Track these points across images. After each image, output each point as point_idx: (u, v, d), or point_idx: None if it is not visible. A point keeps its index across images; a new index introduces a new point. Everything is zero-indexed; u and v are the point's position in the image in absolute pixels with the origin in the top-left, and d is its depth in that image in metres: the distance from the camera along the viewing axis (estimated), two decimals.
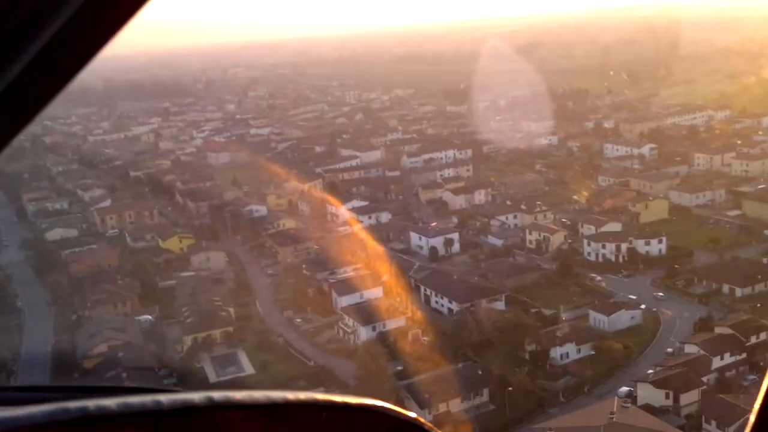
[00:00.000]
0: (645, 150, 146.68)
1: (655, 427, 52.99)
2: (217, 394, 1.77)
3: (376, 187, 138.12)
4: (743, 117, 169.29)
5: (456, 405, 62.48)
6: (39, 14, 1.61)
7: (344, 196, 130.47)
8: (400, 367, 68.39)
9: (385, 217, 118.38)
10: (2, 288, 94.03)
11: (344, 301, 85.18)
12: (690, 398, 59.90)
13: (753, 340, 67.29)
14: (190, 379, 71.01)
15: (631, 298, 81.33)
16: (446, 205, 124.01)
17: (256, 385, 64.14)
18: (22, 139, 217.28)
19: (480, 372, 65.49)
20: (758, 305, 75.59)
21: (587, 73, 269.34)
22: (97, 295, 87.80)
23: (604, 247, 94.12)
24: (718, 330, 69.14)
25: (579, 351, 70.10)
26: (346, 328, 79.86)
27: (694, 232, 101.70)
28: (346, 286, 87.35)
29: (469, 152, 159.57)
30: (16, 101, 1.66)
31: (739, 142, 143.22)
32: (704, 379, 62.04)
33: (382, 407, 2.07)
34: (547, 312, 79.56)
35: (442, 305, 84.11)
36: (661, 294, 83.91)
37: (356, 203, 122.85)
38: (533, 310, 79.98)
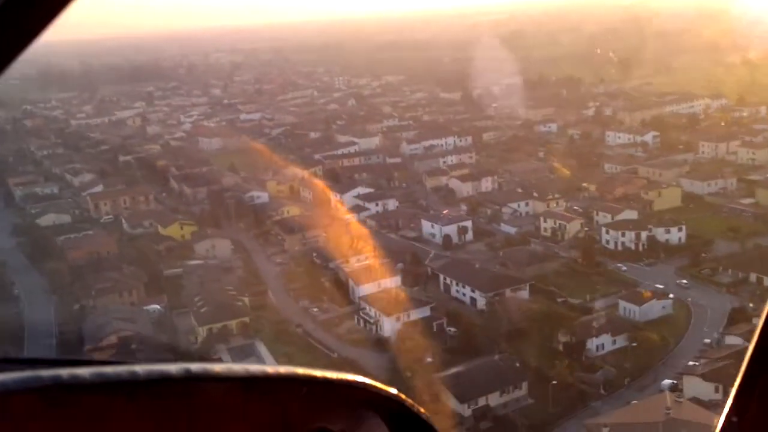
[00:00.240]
0: (648, 138, 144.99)
1: (714, 423, 50.51)
2: (195, 366, 1.72)
3: (379, 174, 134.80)
4: (741, 106, 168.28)
5: (495, 399, 59.70)
6: None
7: (347, 183, 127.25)
8: (430, 359, 65.51)
9: (392, 204, 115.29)
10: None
11: (362, 290, 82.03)
12: None
13: None
14: None
15: (658, 288, 79.08)
16: (453, 193, 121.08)
17: None
18: (2, 121, 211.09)
19: (518, 364, 62.70)
20: None
21: (575, 62, 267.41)
22: (101, 284, 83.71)
23: (623, 235, 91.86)
24: (756, 320, 66.90)
25: (614, 342, 67.69)
26: (367, 318, 76.77)
27: (710, 220, 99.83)
28: (363, 275, 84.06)
29: (469, 139, 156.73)
30: None
31: (741, 130, 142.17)
32: None
33: (363, 383, 2.03)
34: (573, 301, 77.19)
35: (464, 294, 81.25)
36: (685, 282, 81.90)
37: (361, 190, 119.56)
38: (560, 300, 77.47)
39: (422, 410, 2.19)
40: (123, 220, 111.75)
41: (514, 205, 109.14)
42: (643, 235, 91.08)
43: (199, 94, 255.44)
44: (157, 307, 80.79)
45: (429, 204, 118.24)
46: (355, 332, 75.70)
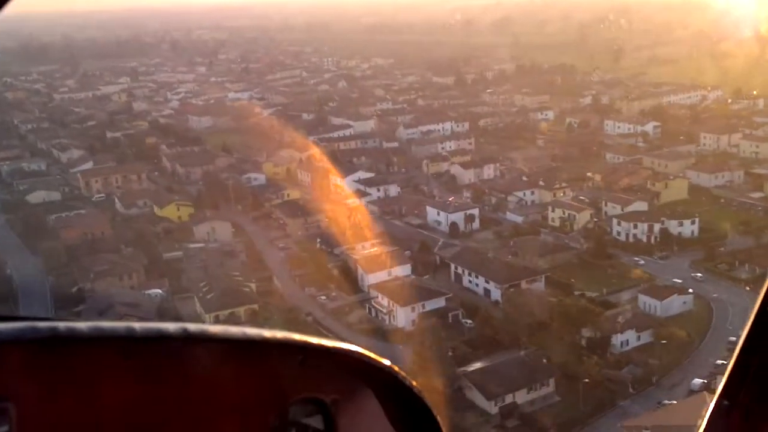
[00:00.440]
0: (648, 128, 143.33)
1: None
2: (193, 326, 1.73)
3: (376, 158, 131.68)
4: (738, 98, 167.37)
5: (522, 396, 57.47)
6: None
7: (345, 167, 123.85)
8: (450, 353, 63.27)
9: (393, 190, 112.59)
10: None
11: (371, 278, 79.48)
12: None
13: None
14: None
15: (676, 282, 77.32)
16: (455, 179, 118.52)
17: None
18: None
19: (544, 360, 60.51)
20: None
21: (565, 50, 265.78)
22: (99, 266, 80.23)
23: (635, 227, 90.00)
24: None
25: (639, 338, 65.80)
26: (379, 308, 74.17)
27: (720, 213, 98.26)
28: (372, 263, 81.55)
29: (466, 125, 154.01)
30: None
31: (740, 122, 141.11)
32: None
33: (357, 352, 2.04)
34: (590, 295, 75.13)
35: (477, 285, 78.87)
36: (699, 275, 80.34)
37: (362, 174, 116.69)
38: (576, 293, 75.40)
39: (414, 383, 2.19)
40: (116, 199, 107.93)
41: (520, 194, 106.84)
42: (656, 227, 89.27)
43: (185, 71, 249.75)
44: (159, 291, 77.70)
45: (431, 190, 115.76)
46: (368, 322, 73.14)
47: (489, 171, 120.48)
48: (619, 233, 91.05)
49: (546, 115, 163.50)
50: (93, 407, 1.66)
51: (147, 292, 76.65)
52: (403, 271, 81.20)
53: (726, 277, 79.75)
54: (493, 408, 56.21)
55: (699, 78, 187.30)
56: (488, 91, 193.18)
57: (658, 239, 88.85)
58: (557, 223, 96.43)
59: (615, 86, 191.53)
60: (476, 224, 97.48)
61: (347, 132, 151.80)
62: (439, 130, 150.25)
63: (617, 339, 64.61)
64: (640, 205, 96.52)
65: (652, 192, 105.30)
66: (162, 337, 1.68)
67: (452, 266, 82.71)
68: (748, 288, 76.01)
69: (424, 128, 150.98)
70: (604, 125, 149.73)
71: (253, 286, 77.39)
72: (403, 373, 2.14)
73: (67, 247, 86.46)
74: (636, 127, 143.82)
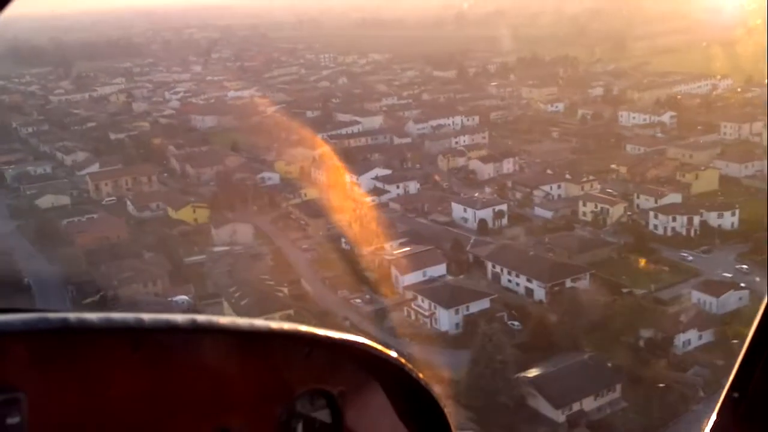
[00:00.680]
0: (665, 118, 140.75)
1: None
2: (201, 318, 1.75)
3: (390, 154, 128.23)
4: (750, 86, 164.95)
5: (589, 403, 54.22)
6: None
7: (360, 164, 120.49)
8: (503, 358, 59.84)
9: (413, 186, 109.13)
10: (6, 265, 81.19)
11: (406, 279, 76.12)
12: None
13: None
14: None
15: (726, 277, 74.40)
16: (475, 174, 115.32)
17: None
18: None
19: (609, 365, 57.30)
20: None
21: (563, 42, 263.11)
22: (121, 273, 76.35)
23: (674, 220, 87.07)
24: None
25: (701, 337, 62.76)
26: (420, 310, 70.71)
27: (755, 204, 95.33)
28: (405, 263, 78.10)
29: (477, 119, 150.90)
30: None
31: (757, 111, 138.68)
32: None
33: (364, 344, 2.05)
34: (638, 292, 72.03)
35: (518, 284, 75.57)
36: (746, 267, 77.47)
37: (379, 171, 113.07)
38: (624, 291, 72.27)
39: (421, 376, 2.19)
40: (128, 202, 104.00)
41: (546, 188, 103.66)
42: (695, 219, 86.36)
43: (179, 70, 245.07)
44: (186, 297, 74.01)
45: (451, 186, 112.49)
46: (409, 326, 69.66)
47: (509, 165, 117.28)
48: (656, 227, 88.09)
49: (556, 107, 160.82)
50: (103, 397, 1.68)
51: (174, 298, 72.91)
52: (438, 271, 77.95)
53: None
54: (560, 417, 52.92)
55: (706, 67, 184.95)
56: (493, 84, 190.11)
57: (697, 232, 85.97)
58: (589, 218, 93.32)
59: (621, 77, 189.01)
60: (505, 221, 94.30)
61: (355, 128, 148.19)
62: (449, 125, 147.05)
63: (679, 339, 61.48)
64: (674, 197, 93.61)
65: (682, 183, 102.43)
66: (171, 328, 1.68)
67: (489, 265, 79.38)
68: None
69: (434, 123, 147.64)
70: (618, 116, 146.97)
71: (285, 290, 73.77)
72: (410, 366, 2.13)
73: (85, 253, 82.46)
74: (652, 118, 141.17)
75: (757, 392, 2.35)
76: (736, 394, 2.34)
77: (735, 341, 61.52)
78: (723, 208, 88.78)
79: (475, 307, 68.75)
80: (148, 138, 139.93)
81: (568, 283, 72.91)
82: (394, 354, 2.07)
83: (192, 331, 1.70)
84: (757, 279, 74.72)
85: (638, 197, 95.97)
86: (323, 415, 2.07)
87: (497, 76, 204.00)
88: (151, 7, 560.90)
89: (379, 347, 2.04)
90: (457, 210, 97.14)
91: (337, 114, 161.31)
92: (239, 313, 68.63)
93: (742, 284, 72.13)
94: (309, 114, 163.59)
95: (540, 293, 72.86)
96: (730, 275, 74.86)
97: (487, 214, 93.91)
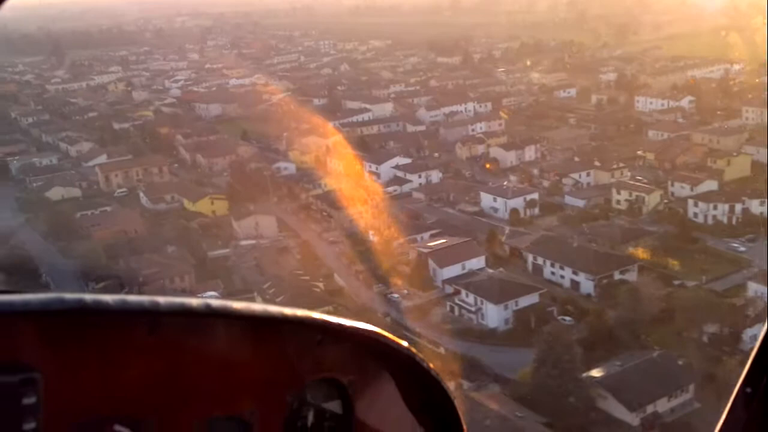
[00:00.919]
0: (684, 103, 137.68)
1: None
2: (216, 302, 1.76)
3: (406, 142, 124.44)
4: (765, 70, 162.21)
5: (662, 404, 51.06)
6: None
7: (377, 153, 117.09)
8: (564, 356, 56.55)
9: (435, 176, 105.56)
10: (21, 260, 76.95)
11: (445, 272, 72.75)
12: None
13: None
14: None
15: None
16: (497, 162, 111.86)
17: None
18: None
19: (680, 362, 54.15)
20: None
21: (563, 27, 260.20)
22: (144, 268, 72.57)
23: (715, 207, 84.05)
24: None
25: None
26: (465, 305, 67.32)
27: None
28: (442, 255, 74.77)
29: (489, 106, 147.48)
30: None
31: None
32: None
33: (375, 333, 2.06)
34: (691, 283, 68.98)
35: (563, 277, 72.29)
36: None
37: (400, 160, 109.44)
38: (676, 283, 69.19)
39: (432, 366, 2.20)
40: (141, 194, 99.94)
41: (575, 176, 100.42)
42: (737, 207, 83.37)
43: (176, 58, 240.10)
44: (215, 293, 70.19)
45: (473, 175, 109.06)
46: (454, 322, 66.29)
47: (531, 152, 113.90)
48: (696, 215, 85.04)
49: (569, 92, 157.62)
50: (118, 379, 1.70)
51: (203, 295, 69.09)
52: (477, 263, 74.54)
53: None
54: (634, 420, 49.76)
55: (717, 52, 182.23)
56: (501, 70, 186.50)
57: (739, 220, 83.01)
58: (624, 206, 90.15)
59: (631, 62, 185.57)
60: (537, 210, 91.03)
61: (366, 116, 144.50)
62: (462, 112, 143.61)
63: (746, 334, 58.39)
64: (711, 184, 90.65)
65: (713, 170, 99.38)
66: (186, 312, 1.69)
67: (529, 257, 76.05)
68: None
69: (447, 110, 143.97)
70: (634, 101, 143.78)
71: (321, 285, 70.23)
72: (420, 356, 2.13)
73: (104, 248, 78.55)
74: (670, 103, 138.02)
75: None
76: (749, 389, 2.30)
77: None
78: (764, 196, 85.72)
79: (524, 301, 65.49)
80: (153, 127, 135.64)
81: (617, 276, 69.78)
82: (405, 344, 2.06)
83: (207, 314, 1.71)
84: None
85: (673, 185, 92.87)
86: (333, 407, 2.08)
87: (503, 61, 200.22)
88: None
89: (391, 337, 2.01)
90: (486, 199, 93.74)
91: (346, 101, 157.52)
92: None
93: None
94: (316, 102, 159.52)
95: (588, 286, 69.68)
96: None
97: (518, 203, 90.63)
